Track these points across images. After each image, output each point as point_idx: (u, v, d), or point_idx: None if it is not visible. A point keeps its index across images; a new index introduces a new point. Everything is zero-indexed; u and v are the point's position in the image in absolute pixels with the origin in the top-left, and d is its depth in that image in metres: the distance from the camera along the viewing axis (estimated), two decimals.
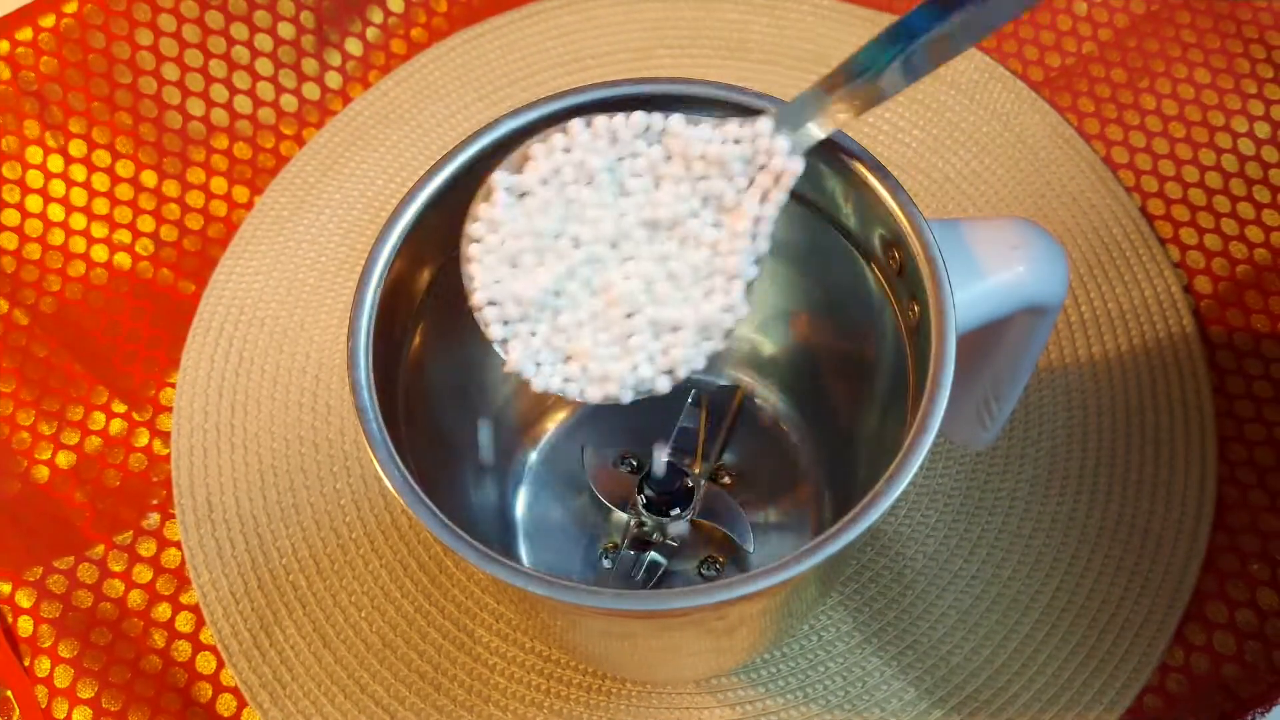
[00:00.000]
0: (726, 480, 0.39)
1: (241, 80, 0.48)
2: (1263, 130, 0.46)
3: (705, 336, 0.27)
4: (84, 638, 0.40)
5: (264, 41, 0.49)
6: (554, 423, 0.40)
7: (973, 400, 0.34)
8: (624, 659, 0.36)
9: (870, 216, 0.29)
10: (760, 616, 0.31)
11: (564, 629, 0.33)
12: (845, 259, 0.31)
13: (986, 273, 0.28)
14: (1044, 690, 0.38)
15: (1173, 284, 0.44)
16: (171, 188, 0.46)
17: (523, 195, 0.27)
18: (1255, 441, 0.41)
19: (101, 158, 0.47)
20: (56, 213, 0.46)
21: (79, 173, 0.46)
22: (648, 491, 0.37)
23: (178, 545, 0.41)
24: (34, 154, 0.46)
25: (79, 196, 0.46)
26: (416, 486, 0.27)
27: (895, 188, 0.28)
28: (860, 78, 0.26)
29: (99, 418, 0.43)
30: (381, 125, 0.47)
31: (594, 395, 0.27)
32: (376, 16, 0.49)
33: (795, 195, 0.31)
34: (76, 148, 0.47)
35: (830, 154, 0.29)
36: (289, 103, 0.48)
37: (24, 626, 0.40)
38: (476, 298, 0.27)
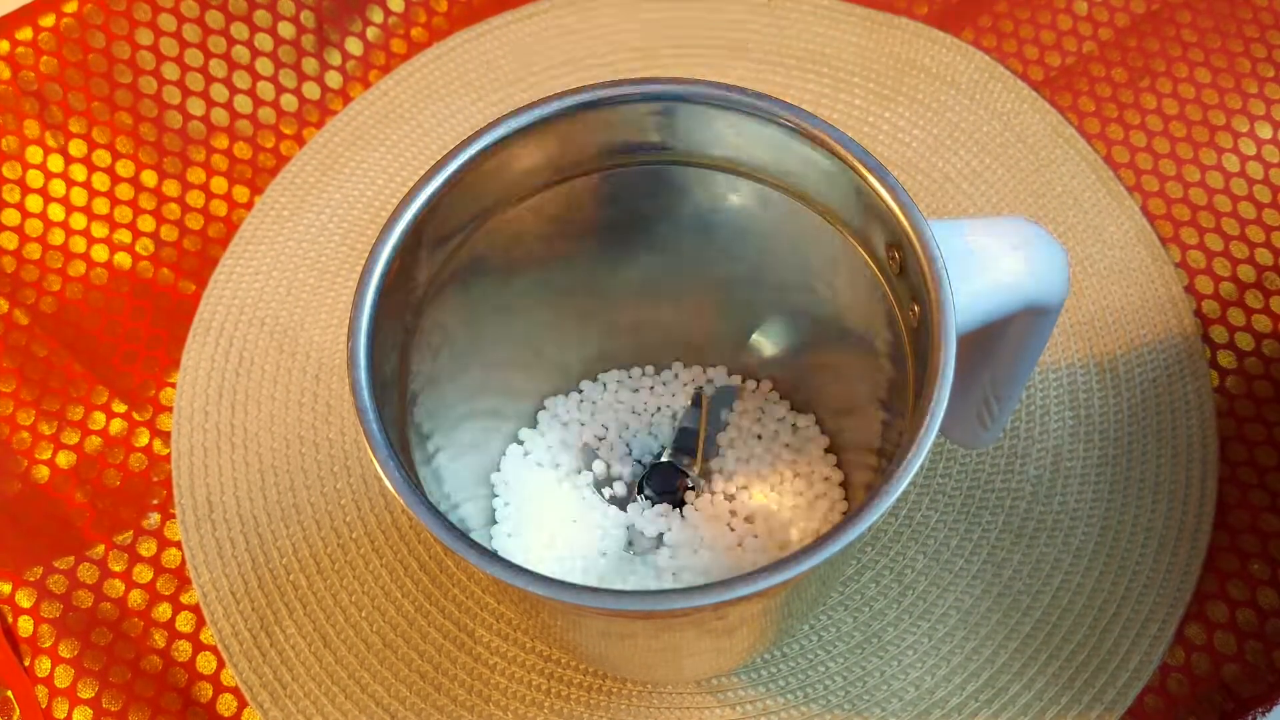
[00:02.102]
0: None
1: (241, 80, 0.48)
2: (1264, 130, 0.46)
3: None
4: (84, 638, 0.40)
5: (264, 41, 0.49)
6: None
7: (973, 400, 0.34)
8: (624, 659, 0.36)
9: (871, 217, 0.29)
10: (760, 617, 0.31)
11: (564, 629, 0.33)
12: (846, 258, 0.31)
13: (987, 272, 0.28)
14: (1045, 690, 0.38)
15: (1173, 284, 0.44)
16: (171, 187, 0.46)
17: None
18: (1255, 441, 0.41)
19: (101, 157, 0.47)
20: (56, 212, 0.46)
21: (79, 172, 0.46)
22: (647, 491, 0.37)
23: (178, 545, 0.41)
24: (34, 154, 0.46)
25: (79, 196, 0.46)
26: (416, 486, 0.27)
27: (895, 188, 0.28)
28: None
29: (99, 417, 0.43)
30: (382, 125, 0.47)
31: None
32: (377, 16, 0.49)
33: (796, 195, 0.31)
34: (76, 147, 0.47)
35: (831, 154, 0.29)
36: (289, 102, 0.48)
37: (24, 626, 0.40)
38: None
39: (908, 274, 0.28)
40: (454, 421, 0.34)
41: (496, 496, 0.38)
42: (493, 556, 0.26)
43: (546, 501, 0.38)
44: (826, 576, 0.34)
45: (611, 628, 0.31)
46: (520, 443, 0.39)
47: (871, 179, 0.29)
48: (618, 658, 0.36)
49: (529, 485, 0.38)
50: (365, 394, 0.27)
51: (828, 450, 0.39)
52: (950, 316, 0.27)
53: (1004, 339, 0.31)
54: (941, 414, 0.26)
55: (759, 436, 0.39)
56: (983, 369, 0.33)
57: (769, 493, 0.38)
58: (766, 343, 0.39)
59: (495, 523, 0.38)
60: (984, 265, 0.28)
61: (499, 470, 0.39)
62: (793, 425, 0.39)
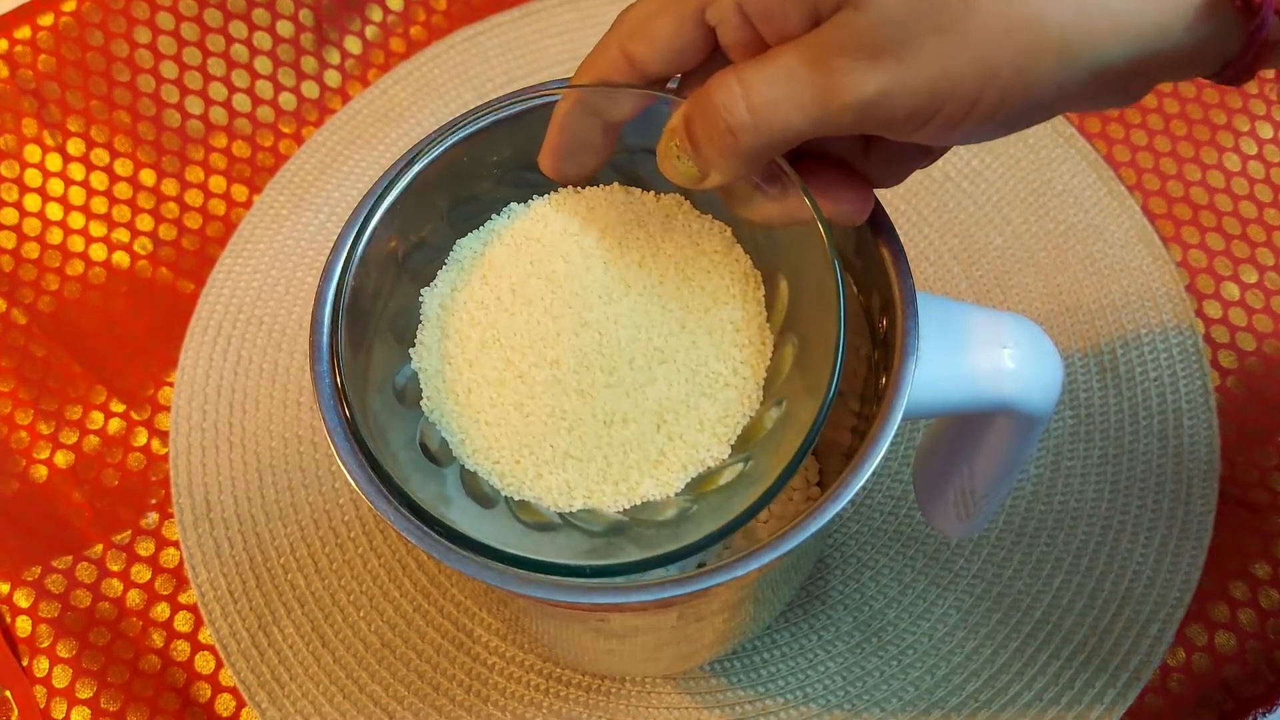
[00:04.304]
0: None
1: (240, 78, 0.48)
2: (1265, 130, 0.46)
3: None
4: (82, 638, 0.40)
5: (263, 39, 0.48)
6: None
7: (951, 487, 0.33)
8: (595, 652, 0.36)
9: (871, 279, 0.29)
10: (722, 611, 0.31)
11: (531, 619, 0.33)
12: (850, 311, 0.31)
13: (964, 362, 0.27)
14: (1045, 690, 0.38)
15: (1174, 283, 0.44)
16: (170, 186, 0.46)
17: None
18: (1257, 441, 0.41)
19: (100, 156, 0.46)
20: (55, 211, 0.46)
21: (77, 171, 0.46)
22: None
23: (176, 545, 0.41)
24: (32, 152, 0.46)
25: (77, 195, 0.46)
26: (383, 480, 0.26)
27: (898, 255, 0.28)
28: None
29: (97, 417, 0.43)
30: (381, 124, 0.47)
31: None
32: (376, 14, 0.49)
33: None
34: (75, 146, 0.46)
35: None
36: (288, 101, 0.48)
37: (22, 626, 0.40)
38: None
39: (888, 343, 0.28)
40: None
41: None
42: (431, 529, 0.25)
43: None
44: (794, 565, 0.33)
45: (580, 618, 0.30)
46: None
47: (880, 242, 0.28)
48: (580, 647, 0.36)
49: None
50: (329, 391, 0.27)
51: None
52: (902, 397, 0.26)
53: (985, 438, 0.30)
54: (858, 487, 0.26)
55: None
56: (961, 460, 0.32)
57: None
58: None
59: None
60: (964, 354, 0.27)
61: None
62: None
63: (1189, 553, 0.39)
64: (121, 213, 0.46)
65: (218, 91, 0.48)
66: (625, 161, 0.29)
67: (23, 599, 0.40)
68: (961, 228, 0.45)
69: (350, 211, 0.29)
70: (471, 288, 0.29)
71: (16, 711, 0.39)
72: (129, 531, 0.41)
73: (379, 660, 0.39)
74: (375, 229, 0.28)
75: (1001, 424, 0.29)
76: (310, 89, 0.48)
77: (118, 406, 0.43)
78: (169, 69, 0.48)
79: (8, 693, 0.39)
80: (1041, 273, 0.44)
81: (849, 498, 0.26)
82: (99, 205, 0.46)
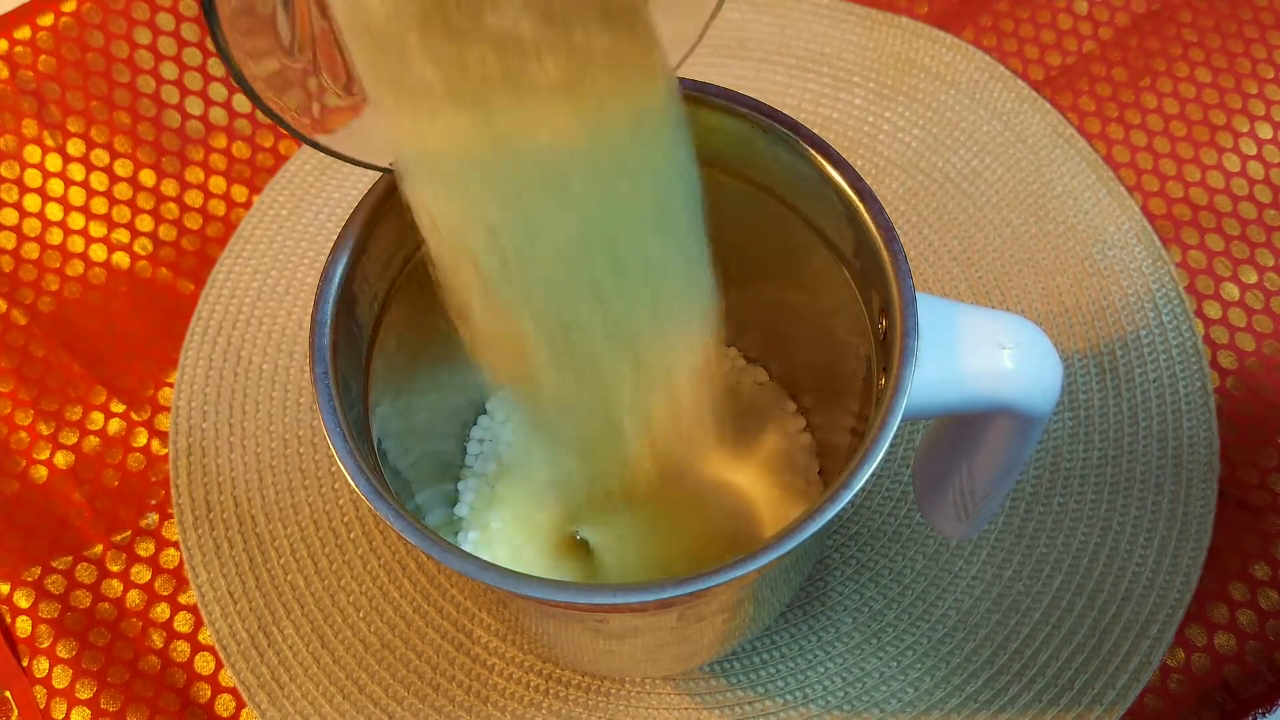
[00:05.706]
0: None
1: None
2: (1264, 130, 0.46)
3: None
4: (82, 638, 0.40)
5: None
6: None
7: (949, 487, 0.33)
8: (594, 652, 0.36)
9: (871, 279, 0.29)
10: (722, 612, 0.31)
11: (531, 619, 0.33)
12: (850, 311, 0.31)
13: (964, 363, 0.27)
14: (1044, 691, 0.38)
15: (1173, 284, 0.44)
16: (170, 187, 0.46)
17: None
18: (1256, 442, 0.41)
19: (100, 157, 0.46)
20: (54, 212, 0.46)
21: (77, 172, 0.46)
22: None
23: (176, 545, 0.41)
24: (32, 153, 0.46)
25: (77, 195, 0.46)
26: (383, 486, 0.26)
27: (898, 255, 0.28)
28: None
29: (97, 417, 0.43)
30: None
31: None
32: None
33: (816, 232, 0.31)
34: (74, 147, 0.47)
35: (850, 212, 0.29)
36: None
37: (22, 627, 0.40)
38: None
39: (888, 343, 0.28)
40: (415, 413, 0.34)
41: (461, 480, 0.39)
42: (437, 538, 0.25)
43: (503, 487, 0.38)
44: (793, 566, 0.33)
45: (575, 621, 0.30)
46: (486, 421, 0.39)
47: (879, 241, 0.28)
48: (581, 649, 0.36)
49: (489, 471, 0.39)
50: (329, 393, 0.27)
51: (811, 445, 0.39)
52: (902, 398, 0.26)
53: (983, 438, 0.30)
54: (857, 489, 0.26)
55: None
56: (960, 460, 0.32)
57: (738, 480, 0.38)
58: (760, 349, 0.39)
59: (457, 518, 0.38)
60: (964, 355, 0.27)
61: (466, 453, 0.39)
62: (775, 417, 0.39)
63: (1188, 553, 0.39)
64: (121, 213, 0.46)
65: (218, 92, 0.48)
66: None
67: (23, 599, 0.40)
68: (961, 229, 0.45)
69: (350, 211, 0.29)
70: None
71: (16, 712, 0.39)
72: (129, 532, 0.41)
73: (379, 660, 0.39)
74: (376, 229, 0.28)
75: (1001, 425, 0.29)
76: None
77: (118, 407, 0.43)
78: (169, 70, 0.48)
79: (8, 693, 0.39)
80: (1041, 273, 0.44)
81: (849, 498, 0.26)
82: (99, 205, 0.46)
